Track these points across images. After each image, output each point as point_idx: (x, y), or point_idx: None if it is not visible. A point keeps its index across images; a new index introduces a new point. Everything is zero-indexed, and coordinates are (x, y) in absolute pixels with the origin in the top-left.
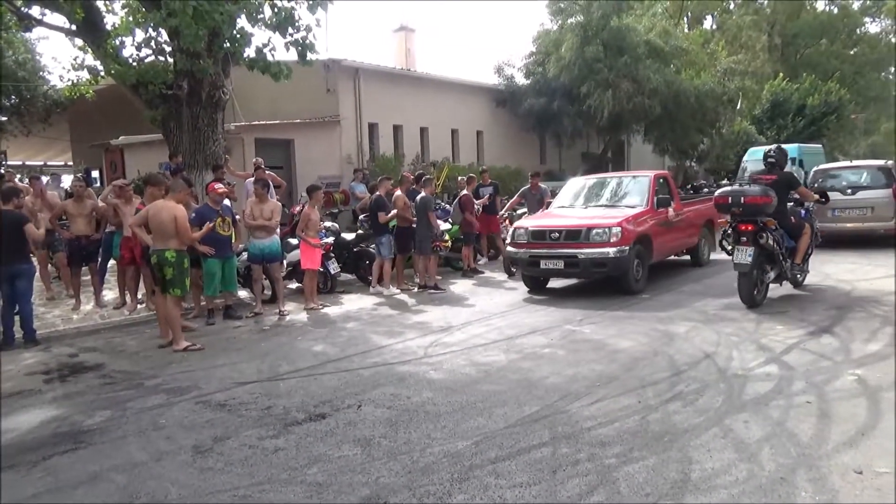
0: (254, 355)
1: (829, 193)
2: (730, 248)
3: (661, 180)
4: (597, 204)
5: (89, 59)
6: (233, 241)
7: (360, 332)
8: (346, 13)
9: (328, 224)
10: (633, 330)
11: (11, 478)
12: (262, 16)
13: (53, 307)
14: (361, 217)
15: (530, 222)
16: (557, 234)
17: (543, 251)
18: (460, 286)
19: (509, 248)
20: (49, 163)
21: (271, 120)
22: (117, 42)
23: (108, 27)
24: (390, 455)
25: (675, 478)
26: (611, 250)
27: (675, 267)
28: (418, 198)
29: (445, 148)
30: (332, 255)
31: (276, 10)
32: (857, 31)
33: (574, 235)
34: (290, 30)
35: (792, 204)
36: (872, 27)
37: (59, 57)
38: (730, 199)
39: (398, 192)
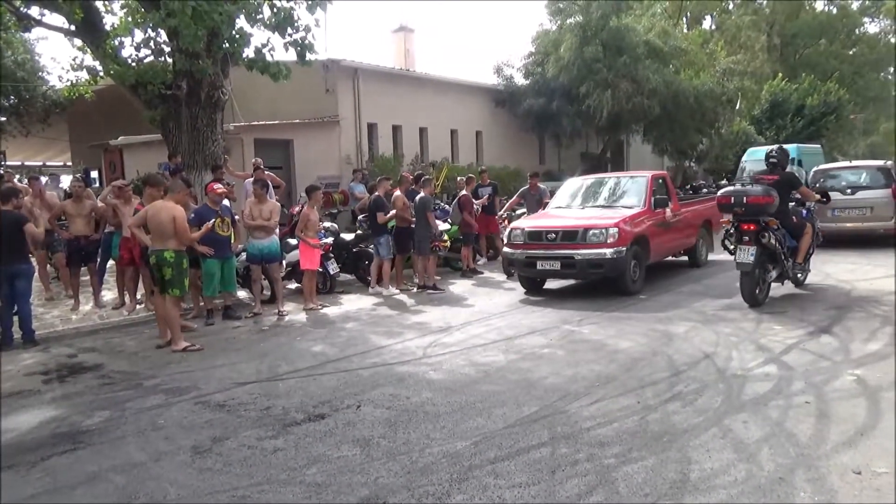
0: (253, 356)
1: (829, 193)
2: (732, 247)
3: (659, 181)
4: (594, 204)
5: (88, 60)
6: (232, 241)
7: (360, 332)
8: (346, 13)
9: (327, 224)
10: (632, 330)
11: (10, 478)
12: (261, 16)
13: (52, 307)
14: (360, 217)
15: (527, 223)
16: (554, 235)
17: (540, 252)
18: (459, 286)
19: (505, 249)
20: (48, 163)
21: (270, 120)
22: (116, 42)
23: (107, 27)
24: (389, 455)
25: (674, 478)
26: (608, 251)
27: (674, 267)
28: (417, 198)
29: (444, 148)
30: (332, 255)
31: (275, 10)
32: (857, 31)
33: (571, 236)
34: (290, 30)
35: (793, 204)
36: (871, 27)
37: (58, 57)
38: (732, 198)
39: (397, 193)
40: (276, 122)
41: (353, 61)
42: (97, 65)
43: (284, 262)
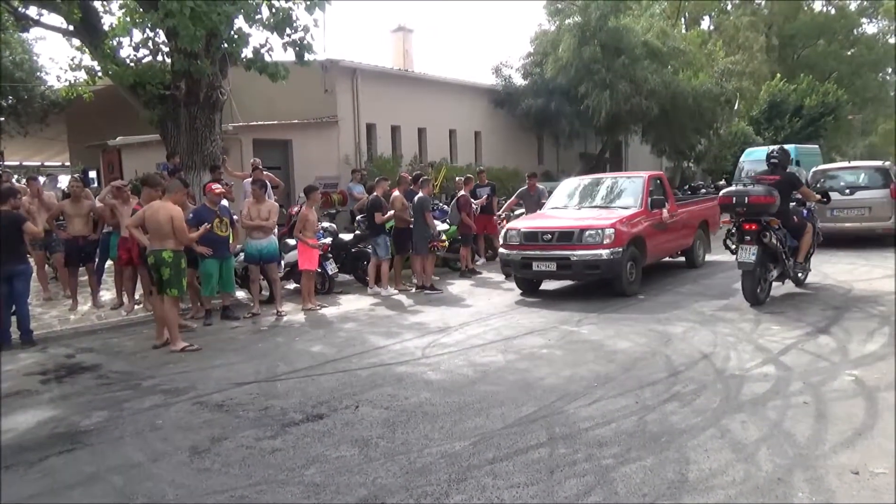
0: (251, 356)
1: (829, 194)
2: (734, 247)
3: (656, 181)
4: (590, 205)
5: (87, 60)
6: (230, 241)
7: (358, 332)
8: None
9: (326, 224)
10: (630, 331)
11: (9, 478)
12: (259, 16)
13: (50, 308)
14: (358, 218)
15: (522, 223)
16: (550, 236)
17: (536, 253)
18: (458, 287)
19: (501, 250)
20: (46, 163)
21: (269, 120)
22: (115, 42)
23: (106, 28)
24: (388, 455)
25: (672, 478)
26: (604, 252)
27: (672, 268)
28: (416, 198)
29: (443, 148)
30: (330, 255)
31: (273, 10)
32: (855, 31)
33: (567, 237)
34: (288, 30)
35: (794, 204)
36: (870, 28)
37: (56, 57)
38: (734, 198)
39: (396, 193)
40: (275, 122)
41: (351, 61)
42: (95, 65)
43: (283, 263)
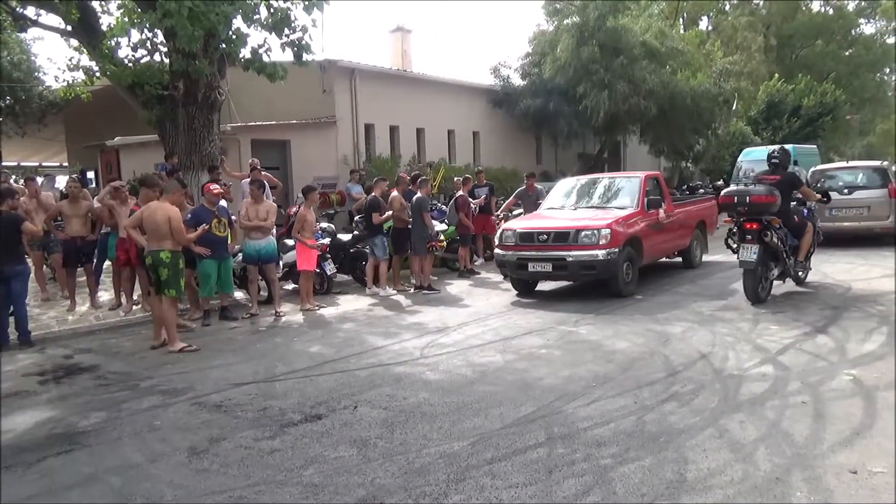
0: (250, 356)
1: (829, 193)
2: (735, 246)
3: (653, 181)
4: (587, 205)
5: (85, 60)
6: (229, 241)
7: (357, 332)
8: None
9: (324, 225)
10: (629, 331)
11: (7, 479)
12: (257, 16)
13: (49, 308)
14: (356, 218)
15: (518, 224)
16: (546, 236)
17: (531, 253)
18: (456, 287)
19: (497, 251)
20: (44, 164)
21: (267, 121)
22: (113, 43)
23: (104, 28)
24: (386, 456)
25: (670, 478)
26: (600, 252)
27: (671, 268)
28: (414, 198)
29: (442, 149)
30: (328, 255)
31: (272, 10)
32: (853, 32)
33: (562, 237)
34: (286, 30)
35: (795, 203)
36: (867, 28)
37: (54, 58)
38: (736, 198)
39: (394, 193)
40: (273, 122)
41: (350, 62)
42: (93, 65)
43: (281, 263)
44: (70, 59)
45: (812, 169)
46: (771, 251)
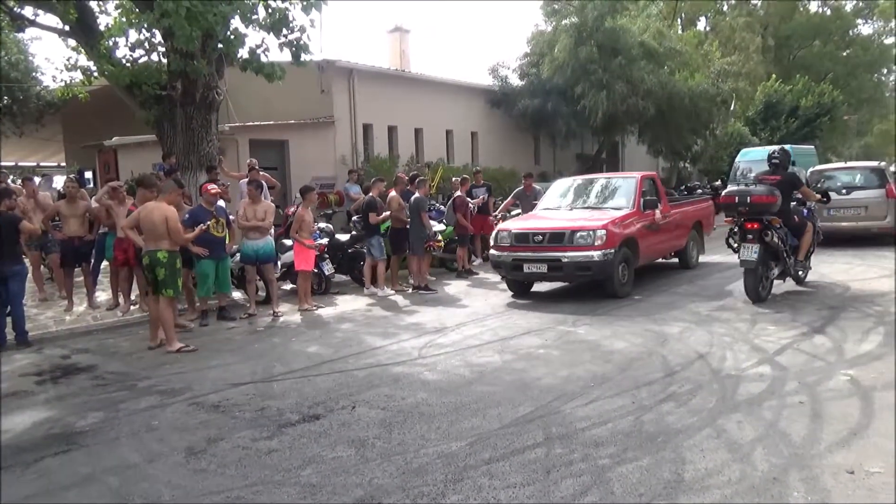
0: (247, 356)
1: (829, 194)
2: (736, 245)
3: (649, 182)
4: (582, 206)
5: (82, 60)
6: (227, 242)
7: (355, 333)
8: (341, 14)
9: (322, 225)
10: (626, 331)
11: (5, 479)
12: (255, 16)
13: (46, 308)
14: (354, 218)
15: (513, 224)
16: (541, 237)
17: (527, 254)
18: (455, 287)
19: (492, 252)
20: (42, 164)
21: (265, 121)
22: (110, 43)
23: (102, 28)
24: (384, 456)
25: (668, 478)
26: (595, 253)
27: (668, 269)
28: (412, 199)
29: (440, 149)
30: (327, 256)
31: (270, 10)
32: (850, 32)
33: (558, 238)
34: (284, 30)
35: (795, 203)
36: (865, 29)
37: (52, 57)
38: (737, 198)
39: (393, 193)
40: (271, 122)
41: (348, 62)
42: (91, 65)
43: (279, 263)
44: (68, 59)
45: (811, 169)
46: (771, 250)
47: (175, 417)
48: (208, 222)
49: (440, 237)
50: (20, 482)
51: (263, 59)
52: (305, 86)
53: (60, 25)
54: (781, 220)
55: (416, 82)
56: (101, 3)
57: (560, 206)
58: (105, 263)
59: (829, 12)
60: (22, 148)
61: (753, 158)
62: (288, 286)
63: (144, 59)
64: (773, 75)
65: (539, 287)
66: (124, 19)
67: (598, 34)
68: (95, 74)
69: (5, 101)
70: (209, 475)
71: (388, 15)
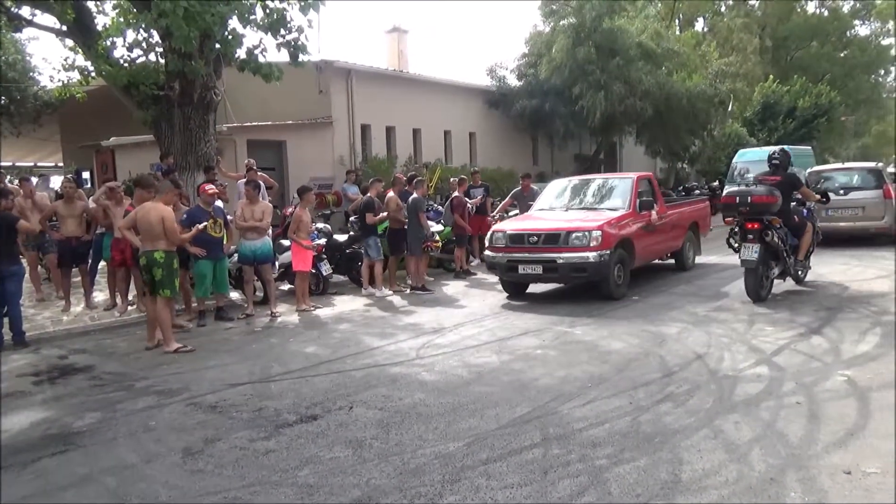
0: (245, 357)
1: (828, 194)
2: (736, 245)
3: (645, 182)
4: (578, 206)
5: (80, 60)
6: (224, 242)
7: (352, 333)
8: (339, 14)
9: (320, 225)
10: (624, 331)
11: (3, 479)
12: (253, 17)
13: (43, 309)
14: (352, 218)
15: (508, 225)
16: (536, 238)
17: (522, 255)
18: (452, 287)
19: (487, 253)
20: (39, 164)
21: (263, 121)
22: (108, 43)
23: (99, 28)
24: (382, 456)
25: (665, 478)
26: (591, 254)
27: (665, 270)
28: (410, 199)
29: (438, 149)
30: (324, 256)
31: (267, 11)
32: (848, 33)
33: (553, 239)
34: (282, 31)
35: (795, 203)
36: (862, 30)
37: (49, 58)
38: (737, 198)
39: (391, 194)
40: (269, 123)
41: (346, 62)
42: (89, 65)
43: (277, 264)
44: (65, 60)
45: (809, 170)
46: (772, 250)
47: (172, 418)
48: (206, 222)
49: (438, 238)
50: (18, 482)
51: (261, 59)
52: (303, 86)
53: (58, 25)
54: (781, 220)
55: (414, 83)
56: (98, 3)
57: (555, 207)
58: (102, 264)
59: (826, 13)
60: (19, 148)
61: (751, 159)
62: (286, 286)
63: (142, 59)
64: (771, 76)
65: (535, 288)
66: (122, 19)
67: (595, 35)
68: (93, 74)
69: (3, 101)
70: (206, 475)
71: (386, 15)
